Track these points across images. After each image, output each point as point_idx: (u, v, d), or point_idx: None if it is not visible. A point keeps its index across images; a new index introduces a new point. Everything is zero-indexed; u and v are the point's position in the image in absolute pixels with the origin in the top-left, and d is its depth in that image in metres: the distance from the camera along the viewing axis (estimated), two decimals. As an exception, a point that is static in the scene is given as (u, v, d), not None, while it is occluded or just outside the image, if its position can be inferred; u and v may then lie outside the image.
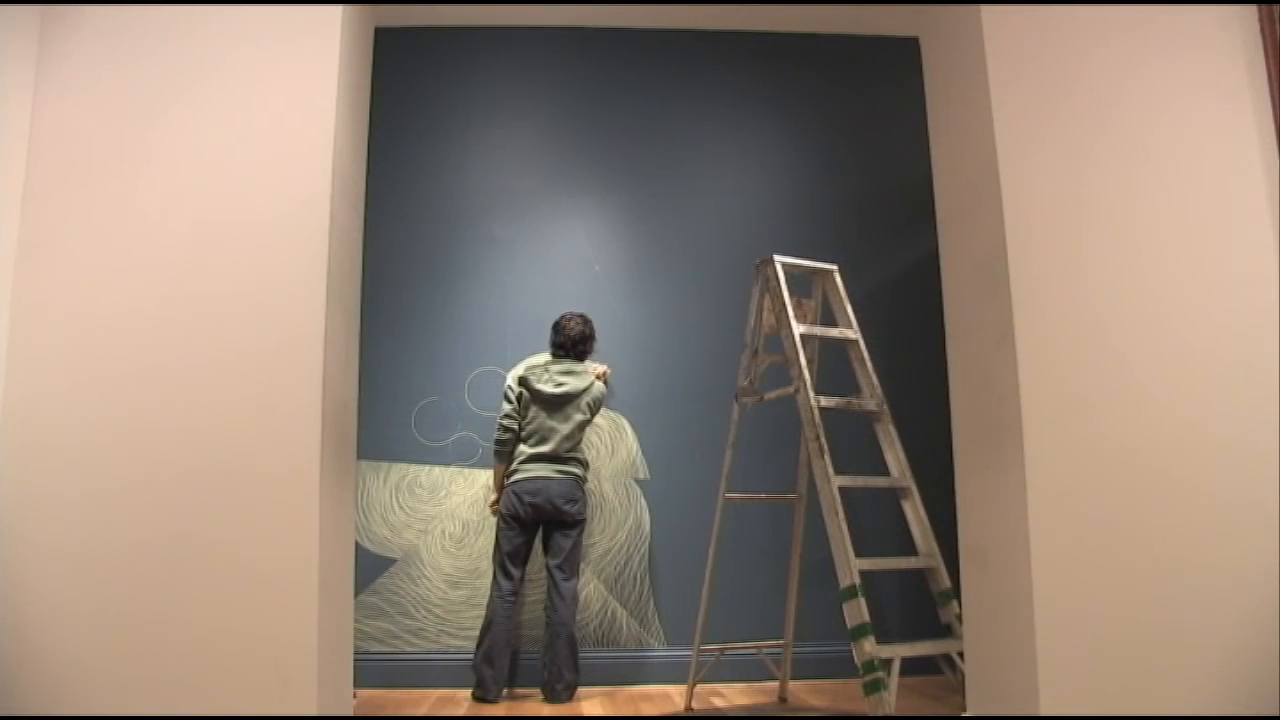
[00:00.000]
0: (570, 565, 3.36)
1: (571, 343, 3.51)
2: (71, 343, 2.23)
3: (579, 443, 3.43)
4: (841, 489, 2.64)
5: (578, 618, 3.58)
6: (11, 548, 2.14)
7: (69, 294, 2.25)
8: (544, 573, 3.41)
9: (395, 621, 3.61)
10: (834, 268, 3.18)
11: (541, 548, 3.43)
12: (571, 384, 3.40)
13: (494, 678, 3.26)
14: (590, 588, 3.68)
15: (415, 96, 3.97)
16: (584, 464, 3.45)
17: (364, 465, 3.64)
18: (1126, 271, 2.26)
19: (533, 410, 3.42)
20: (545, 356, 3.61)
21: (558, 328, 3.54)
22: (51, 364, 2.22)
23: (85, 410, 2.20)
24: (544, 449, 3.36)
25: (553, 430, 3.38)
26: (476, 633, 3.57)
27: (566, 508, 3.33)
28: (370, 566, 3.61)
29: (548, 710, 3.17)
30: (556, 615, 3.29)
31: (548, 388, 3.39)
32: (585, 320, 3.56)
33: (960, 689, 2.53)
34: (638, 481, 3.77)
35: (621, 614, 3.64)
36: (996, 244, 2.29)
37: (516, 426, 3.42)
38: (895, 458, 2.93)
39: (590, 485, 3.59)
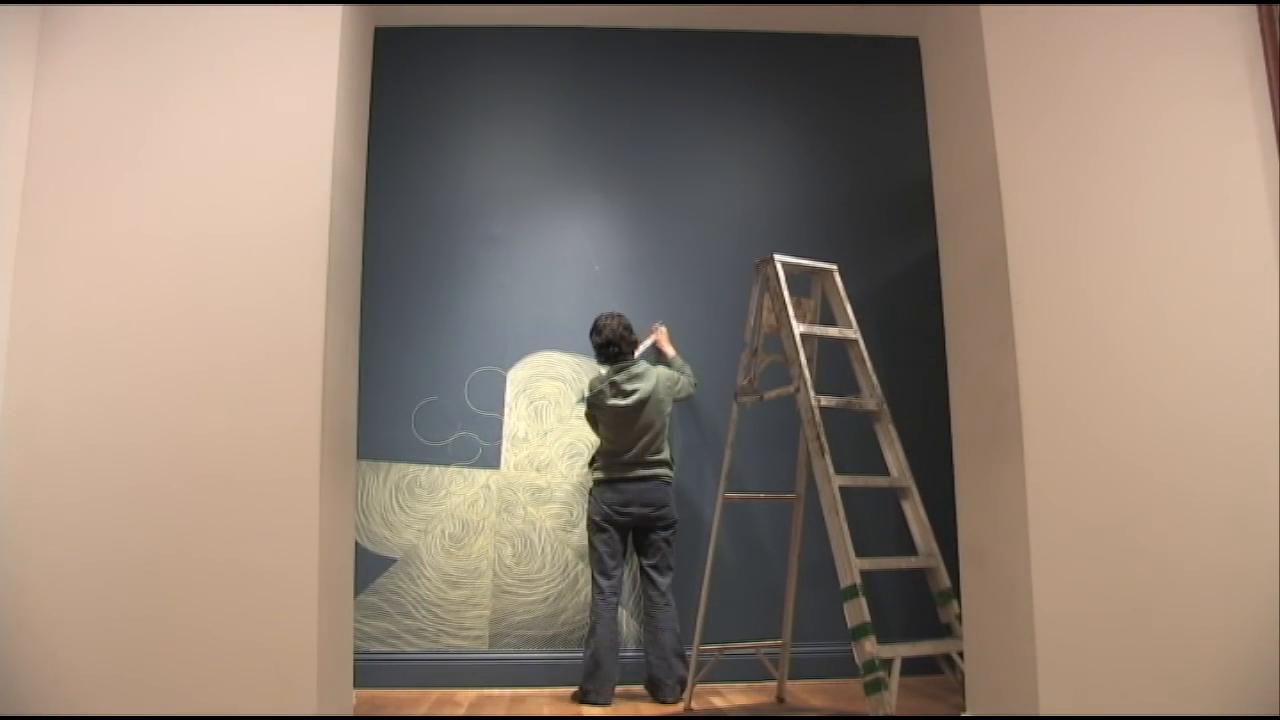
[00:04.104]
0: (665, 564, 3.33)
1: (618, 340, 3.40)
2: (70, 341, 2.23)
3: (662, 444, 3.37)
4: (841, 489, 2.64)
5: (579, 617, 3.59)
6: (13, 548, 2.14)
7: (68, 293, 2.25)
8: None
9: (395, 621, 3.61)
10: (834, 267, 3.18)
11: (635, 549, 3.39)
12: (641, 388, 3.35)
13: (605, 679, 3.21)
14: (590, 588, 3.68)
15: (415, 96, 3.97)
16: (670, 464, 3.40)
17: (364, 465, 3.64)
18: (1126, 271, 2.26)
19: (608, 424, 3.39)
20: (598, 369, 3.54)
21: (597, 329, 3.44)
22: (50, 362, 2.22)
23: (84, 409, 2.20)
24: (626, 457, 3.32)
25: (634, 438, 3.33)
26: (476, 632, 3.57)
27: (660, 512, 3.30)
28: (370, 566, 3.61)
29: (548, 710, 3.17)
30: (660, 613, 3.27)
31: (619, 401, 3.34)
32: (618, 315, 3.47)
33: (960, 689, 2.53)
34: (638, 481, 3.77)
35: (621, 614, 3.64)
36: (996, 244, 2.29)
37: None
38: (895, 457, 2.93)
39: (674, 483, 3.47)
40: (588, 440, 3.67)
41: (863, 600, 2.50)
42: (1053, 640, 2.09)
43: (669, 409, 3.42)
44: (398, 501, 3.71)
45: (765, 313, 3.07)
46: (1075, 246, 2.27)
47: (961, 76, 2.49)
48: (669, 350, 3.62)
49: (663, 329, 3.70)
